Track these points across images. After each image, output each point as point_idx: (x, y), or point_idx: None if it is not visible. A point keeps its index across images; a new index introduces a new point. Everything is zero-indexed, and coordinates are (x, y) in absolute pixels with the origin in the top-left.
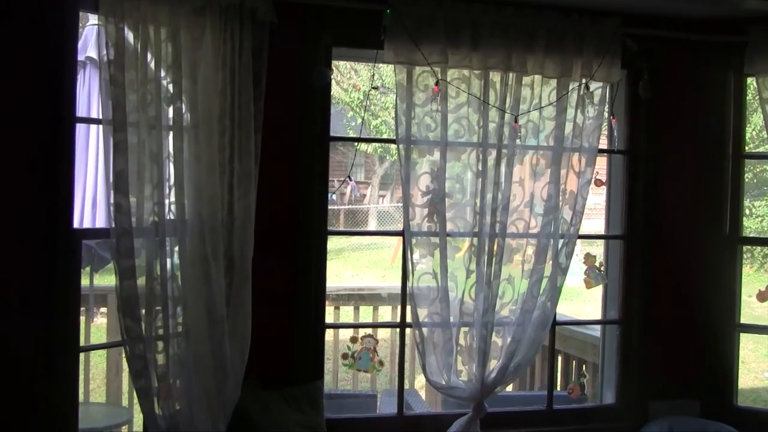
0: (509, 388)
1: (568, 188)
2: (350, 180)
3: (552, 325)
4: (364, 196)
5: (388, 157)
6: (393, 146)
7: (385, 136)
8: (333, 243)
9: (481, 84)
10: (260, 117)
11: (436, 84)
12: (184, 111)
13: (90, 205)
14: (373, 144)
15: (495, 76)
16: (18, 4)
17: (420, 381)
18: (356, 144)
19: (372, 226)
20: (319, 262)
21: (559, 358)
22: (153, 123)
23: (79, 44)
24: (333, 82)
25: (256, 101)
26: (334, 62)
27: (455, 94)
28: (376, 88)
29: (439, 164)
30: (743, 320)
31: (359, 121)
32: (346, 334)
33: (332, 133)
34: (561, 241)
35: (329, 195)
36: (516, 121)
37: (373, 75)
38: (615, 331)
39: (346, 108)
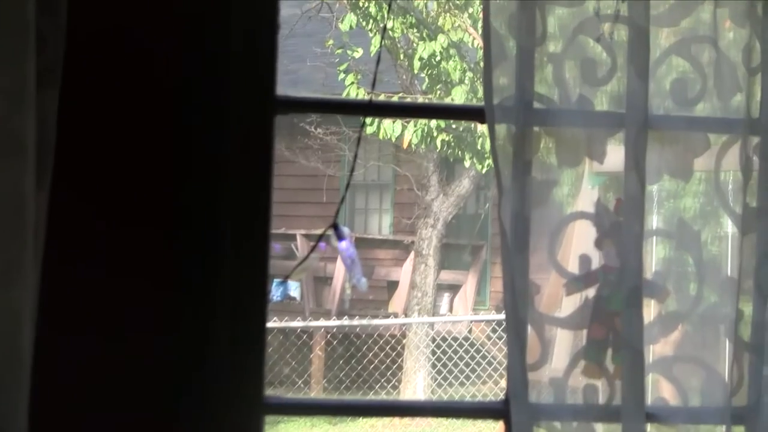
0: None
1: None
2: (339, 234)
3: None
4: (395, 285)
5: (467, 162)
6: (481, 128)
7: (458, 97)
8: None
9: None
10: (59, 35)
11: None
12: None
13: None
14: (420, 122)
15: None
16: None
17: None
18: (365, 121)
19: (413, 390)
20: None
21: None
22: None
23: None
24: None
25: None
26: None
27: None
28: None
29: (624, 187)
30: None
31: (374, 48)
32: None
33: (287, 88)
34: None
35: (273, 287)
36: None
37: None
38: None
39: (339, 7)
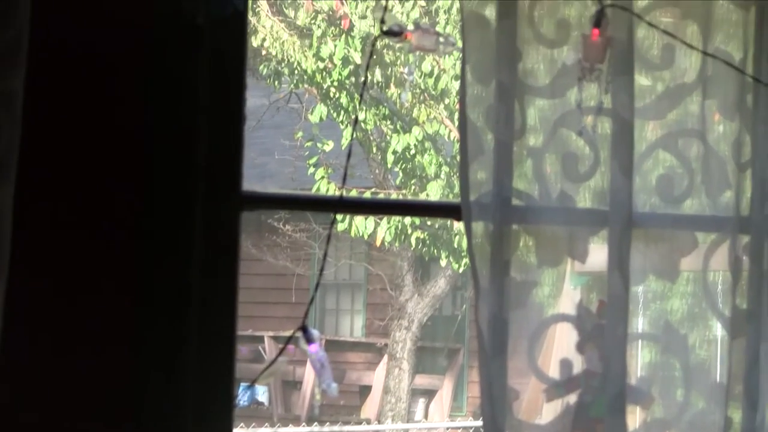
0: None
1: None
2: (309, 337)
3: None
4: (368, 389)
5: (443, 261)
6: (457, 225)
7: (433, 192)
8: None
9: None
10: (14, 130)
11: (598, 24)
12: None
13: None
14: (394, 219)
15: None
16: None
17: None
18: (335, 218)
19: None
20: None
21: None
22: None
23: None
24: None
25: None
26: None
27: (663, 54)
28: (394, 34)
29: (607, 287)
30: None
31: (345, 141)
32: None
33: (254, 182)
34: None
35: (240, 392)
36: None
37: None
38: None
39: (308, 98)
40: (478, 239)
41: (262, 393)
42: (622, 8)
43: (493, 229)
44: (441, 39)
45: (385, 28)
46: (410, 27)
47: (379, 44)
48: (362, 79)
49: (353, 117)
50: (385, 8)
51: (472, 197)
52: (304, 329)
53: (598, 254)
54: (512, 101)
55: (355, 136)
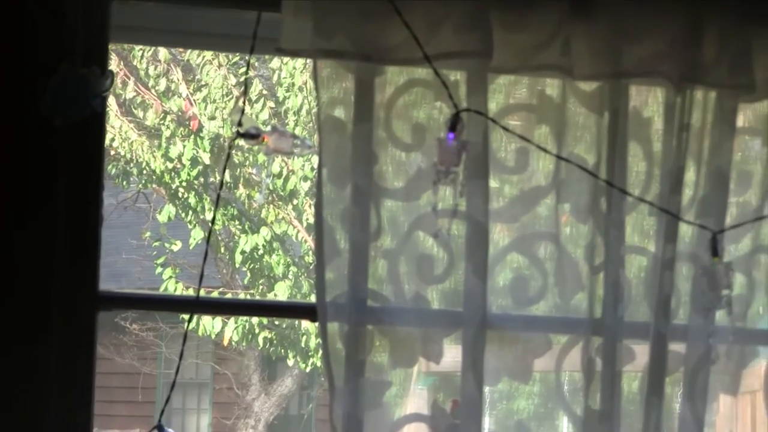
0: None
1: None
2: None
3: None
4: None
5: (291, 360)
6: (305, 325)
7: (281, 292)
8: None
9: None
10: None
11: (453, 128)
12: None
13: None
14: (242, 319)
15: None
16: None
17: None
18: (191, 317)
19: None
20: None
21: None
22: None
23: None
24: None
25: None
26: (122, 46)
27: (517, 157)
28: (251, 136)
29: (461, 388)
30: None
31: (193, 240)
32: None
33: (104, 282)
34: None
35: None
36: None
37: (246, 88)
38: None
39: (156, 198)
40: (332, 340)
41: None
42: (477, 112)
43: (348, 330)
44: (297, 141)
45: (241, 131)
46: (267, 129)
47: (227, 145)
48: (211, 179)
49: (202, 218)
50: (243, 111)
51: (327, 298)
52: (159, 428)
53: (447, 354)
54: (368, 203)
55: (204, 236)
